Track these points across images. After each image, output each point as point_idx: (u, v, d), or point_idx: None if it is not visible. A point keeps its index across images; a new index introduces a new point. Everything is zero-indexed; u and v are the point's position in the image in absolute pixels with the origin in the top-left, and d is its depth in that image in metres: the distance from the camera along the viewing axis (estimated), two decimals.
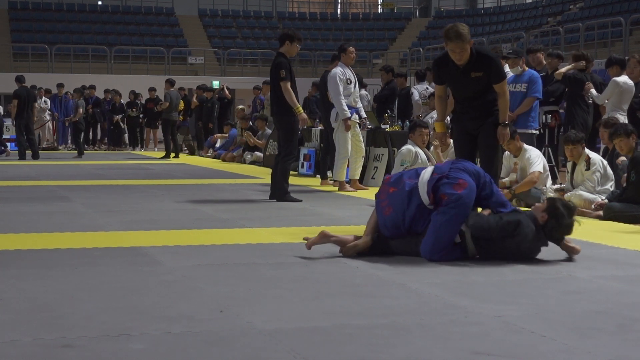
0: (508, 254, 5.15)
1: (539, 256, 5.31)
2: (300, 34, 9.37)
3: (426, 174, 5.30)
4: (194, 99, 21.17)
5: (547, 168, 8.94)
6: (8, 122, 20.58)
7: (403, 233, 5.30)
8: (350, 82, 10.35)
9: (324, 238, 5.39)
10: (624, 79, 9.50)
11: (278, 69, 8.98)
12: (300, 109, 9.02)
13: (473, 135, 6.63)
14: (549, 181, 8.87)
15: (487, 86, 6.52)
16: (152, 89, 22.52)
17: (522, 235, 5.12)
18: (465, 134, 6.66)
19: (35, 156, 17.68)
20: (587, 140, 9.61)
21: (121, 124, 23.66)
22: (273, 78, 9.08)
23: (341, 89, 10.22)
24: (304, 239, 5.51)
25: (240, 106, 19.17)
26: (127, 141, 24.09)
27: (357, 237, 5.44)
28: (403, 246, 5.34)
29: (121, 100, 23.84)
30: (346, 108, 10.21)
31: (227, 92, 20.71)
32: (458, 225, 5.15)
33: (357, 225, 6.69)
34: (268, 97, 17.75)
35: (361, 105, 10.75)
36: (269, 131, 16.52)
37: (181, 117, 21.57)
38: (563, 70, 10.11)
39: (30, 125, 18.00)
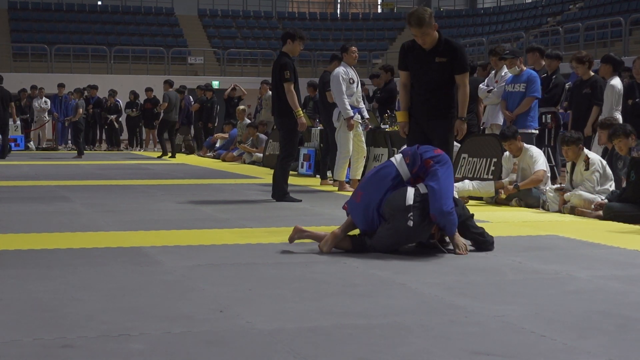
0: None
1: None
2: (302, 32, 9.21)
3: (398, 159, 5.54)
4: (194, 104, 21.12)
5: (548, 167, 8.96)
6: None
7: (372, 215, 5.40)
8: (353, 81, 10.35)
9: (298, 232, 5.59)
10: (617, 82, 9.50)
11: (283, 69, 8.87)
12: (301, 112, 8.89)
13: (425, 132, 6.73)
14: (549, 181, 8.87)
15: (449, 77, 6.63)
16: (148, 89, 22.48)
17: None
18: (417, 130, 6.74)
19: (1, 156, 17.64)
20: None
21: (115, 123, 23.61)
22: (276, 78, 8.97)
23: (344, 88, 10.22)
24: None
25: (242, 107, 19.13)
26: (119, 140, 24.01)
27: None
28: (379, 242, 5.40)
29: (116, 100, 23.77)
30: (349, 107, 10.20)
31: (241, 89, 20.34)
32: (452, 177, 5.49)
33: None
34: (265, 97, 17.75)
35: (364, 105, 10.75)
36: (263, 137, 16.50)
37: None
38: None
39: (4, 126, 17.77)
